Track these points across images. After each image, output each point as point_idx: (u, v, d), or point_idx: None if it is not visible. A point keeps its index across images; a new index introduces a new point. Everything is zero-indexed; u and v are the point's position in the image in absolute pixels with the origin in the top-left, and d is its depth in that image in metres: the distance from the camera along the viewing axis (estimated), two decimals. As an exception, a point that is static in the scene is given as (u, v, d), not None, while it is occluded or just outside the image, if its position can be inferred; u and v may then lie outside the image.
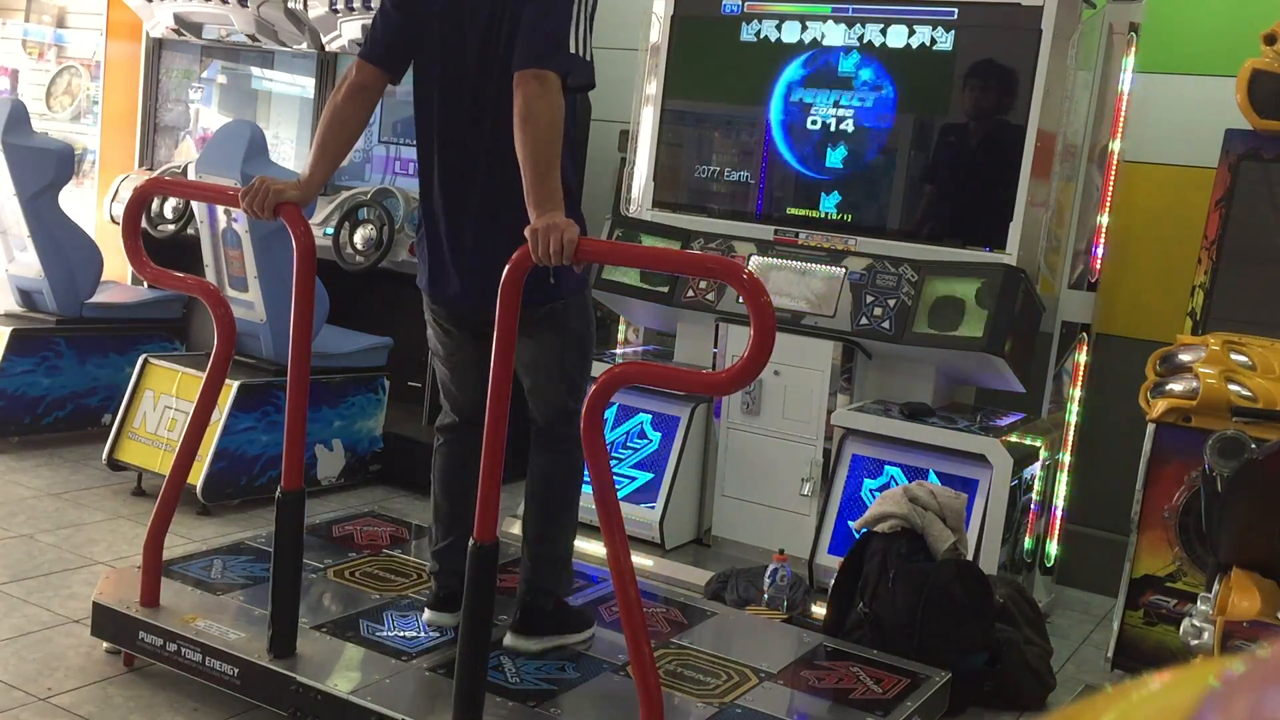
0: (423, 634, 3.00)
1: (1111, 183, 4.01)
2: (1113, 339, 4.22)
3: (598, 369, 3.89)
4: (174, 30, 5.62)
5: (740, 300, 2.36)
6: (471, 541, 2.48)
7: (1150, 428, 3.41)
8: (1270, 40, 3.58)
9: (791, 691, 2.95)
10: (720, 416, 4.16)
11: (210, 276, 4.42)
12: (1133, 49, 3.97)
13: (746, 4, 4.32)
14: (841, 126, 4.14)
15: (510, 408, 2.50)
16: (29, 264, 4.92)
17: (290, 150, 5.52)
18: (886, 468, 3.84)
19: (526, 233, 2.44)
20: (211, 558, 3.41)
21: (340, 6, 4.93)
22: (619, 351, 4.72)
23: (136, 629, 2.95)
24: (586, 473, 2.54)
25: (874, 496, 3.61)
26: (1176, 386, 3.35)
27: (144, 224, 4.97)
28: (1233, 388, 3.25)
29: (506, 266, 2.44)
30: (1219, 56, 3.95)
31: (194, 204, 4.85)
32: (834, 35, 4.15)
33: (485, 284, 2.65)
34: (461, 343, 3.01)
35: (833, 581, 3.44)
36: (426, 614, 3.08)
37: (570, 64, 2.61)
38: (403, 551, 3.63)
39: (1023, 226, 3.81)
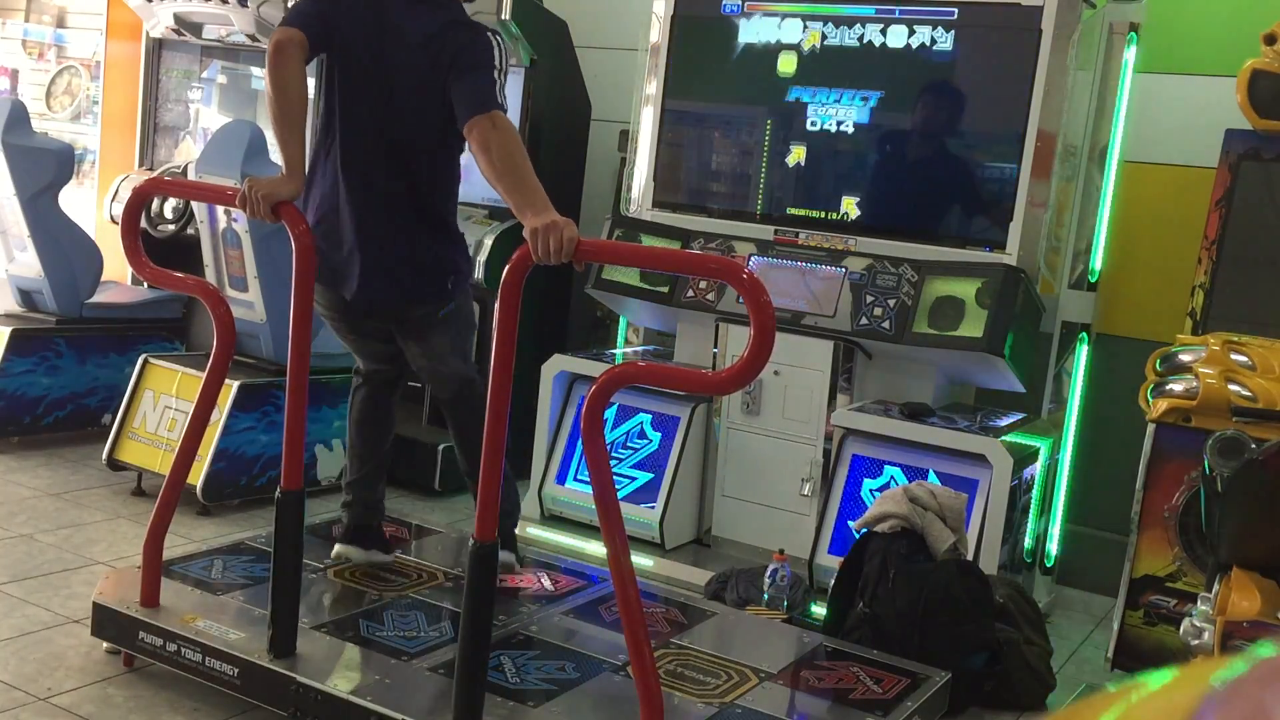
0: (422, 634, 3.00)
1: (1111, 183, 4.01)
2: (1113, 339, 4.22)
3: (598, 369, 3.90)
4: (174, 30, 5.62)
5: (740, 300, 2.36)
6: (471, 541, 2.48)
7: (1150, 428, 3.41)
8: (1270, 40, 3.58)
9: (791, 691, 2.95)
10: (720, 416, 4.16)
11: (210, 276, 4.42)
12: (1133, 49, 3.97)
13: (746, 4, 4.31)
14: (841, 126, 4.14)
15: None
16: (29, 264, 4.92)
17: (290, 150, 5.51)
18: (886, 468, 3.83)
19: (526, 233, 2.46)
20: (211, 558, 3.41)
21: (340, 6, 4.92)
22: (619, 351, 4.72)
23: (136, 629, 2.95)
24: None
25: (874, 496, 3.61)
26: (1176, 386, 3.35)
27: (144, 224, 4.97)
28: (1233, 388, 3.25)
29: (507, 267, 2.44)
30: (1219, 56, 3.95)
31: (194, 204, 4.85)
32: (834, 35, 4.16)
33: (381, 281, 3.10)
34: (354, 326, 3.33)
35: (833, 581, 3.44)
36: (336, 548, 3.41)
37: (502, 108, 2.94)
38: (403, 551, 3.63)
39: (1023, 226, 3.81)
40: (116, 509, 4.22)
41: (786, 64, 4.24)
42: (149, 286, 5.24)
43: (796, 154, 4.25)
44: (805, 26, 4.21)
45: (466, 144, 2.96)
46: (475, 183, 3.42)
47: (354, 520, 3.44)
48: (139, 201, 3.18)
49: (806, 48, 4.21)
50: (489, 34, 3.08)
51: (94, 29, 6.33)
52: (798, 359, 3.95)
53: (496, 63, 3.02)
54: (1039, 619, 3.56)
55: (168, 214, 5.39)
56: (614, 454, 4.18)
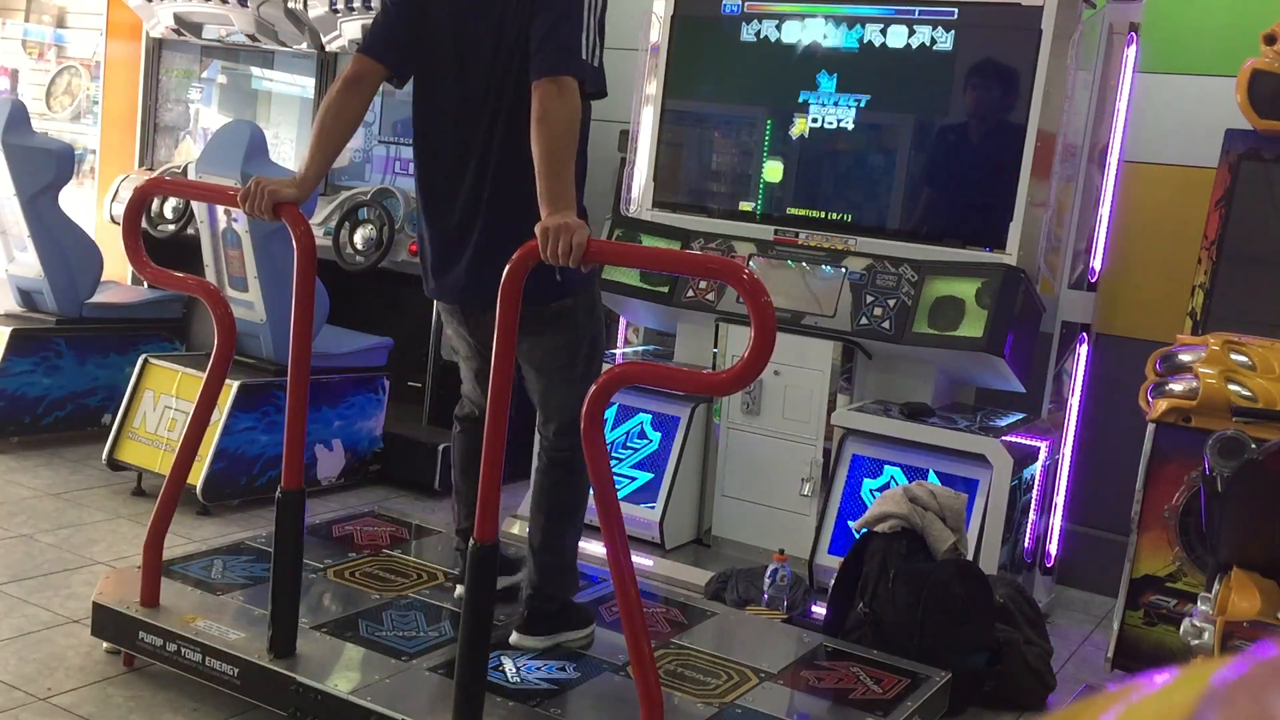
0: (422, 634, 3.00)
1: (1111, 183, 4.01)
2: (1113, 339, 4.22)
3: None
4: (174, 30, 5.62)
5: (740, 300, 2.36)
6: (471, 542, 2.48)
7: (1150, 428, 3.41)
8: (1270, 40, 3.58)
9: (791, 691, 2.95)
10: (720, 416, 4.16)
11: (210, 276, 4.42)
12: (1133, 49, 3.97)
13: (746, 4, 4.31)
14: (842, 126, 4.14)
15: (513, 406, 2.50)
16: (29, 264, 4.92)
17: (290, 150, 5.52)
18: (886, 468, 3.84)
19: (537, 230, 2.44)
20: (211, 558, 3.41)
21: (340, 6, 4.93)
22: (619, 351, 4.72)
23: (136, 629, 2.95)
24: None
25: (874, 496, 3.61)
26: (1176, 386, 3.35)
27: (144, 224, 4.97)
28: (1233, 388, 3.25)
29: (507, 266, 2.44)
30: (1219, 56, 3.95)
31: (194, 204, 4.85)
32: (834, 35, 4.16)
33: (483, 281, 2.71)
34: (477, 351, 3.05)
35: (833, 581, 3.44)
36: (459, 590, 3.12)
37: (584, 70, 2.69)
38: (403, 551, 3.63)
39: (1023, 226, 3.81)
40: (116, 509, 4.22)
41: (786, 62, 4.24)
42: (149, 286, 5.24)
43: (797, 153, 4.25)
44: (805, 26, 4.21)
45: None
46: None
47: None
48: (140, 201, 3.18)
49: (806, 47, 4.21)
50: None
51: (94, 29, 6.33)
52: (798, 359, 3.95)
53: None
54: (1039, 619, 3.55)
55: (168, 214, 5.39)
56: (614, 454, 4.18)
